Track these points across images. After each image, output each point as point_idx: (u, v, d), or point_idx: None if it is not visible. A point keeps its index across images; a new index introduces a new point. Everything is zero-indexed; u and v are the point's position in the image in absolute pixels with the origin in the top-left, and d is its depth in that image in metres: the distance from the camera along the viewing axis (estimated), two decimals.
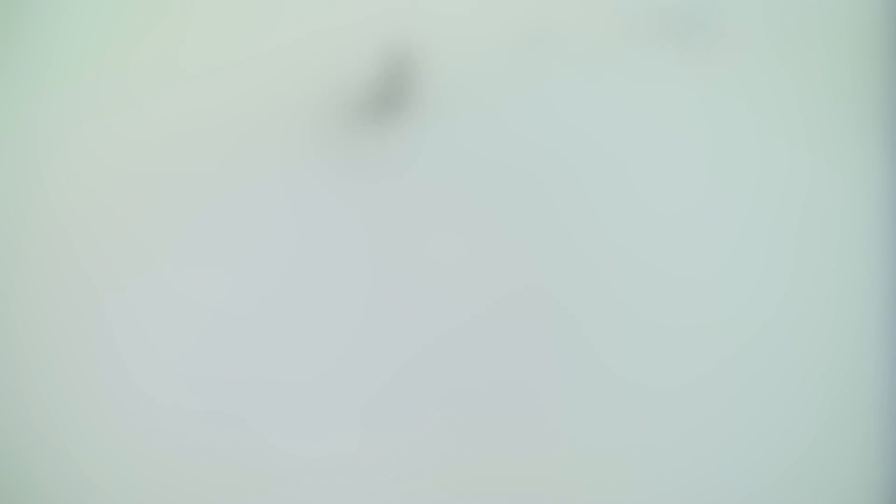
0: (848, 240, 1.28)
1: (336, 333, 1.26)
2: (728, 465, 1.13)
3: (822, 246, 1.27)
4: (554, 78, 1.38)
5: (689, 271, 1.34)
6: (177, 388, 1.23)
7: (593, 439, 1.26)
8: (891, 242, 0.95)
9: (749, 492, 1.19)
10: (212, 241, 1.28)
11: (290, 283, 1.24)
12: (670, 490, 1.19)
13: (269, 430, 1.29)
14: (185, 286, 1.28)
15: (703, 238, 1.36)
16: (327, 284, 1.27)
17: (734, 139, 1.28)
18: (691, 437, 1.29)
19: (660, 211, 1.39)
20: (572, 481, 1.24)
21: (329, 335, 1.25)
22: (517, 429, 1.30)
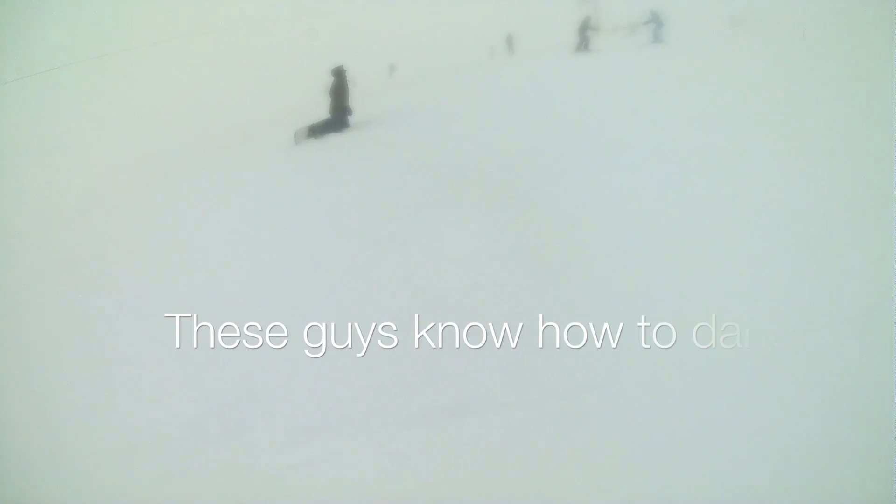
0: (866, 241, 3.07)
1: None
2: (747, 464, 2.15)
3: (841, 248, 3.19)
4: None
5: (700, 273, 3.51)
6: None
7: (600, 440, 2.68)
8: None
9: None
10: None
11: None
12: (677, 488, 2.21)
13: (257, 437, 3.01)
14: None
15: (716, 240, 3.40)
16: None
17: (746, 139, 4.25)
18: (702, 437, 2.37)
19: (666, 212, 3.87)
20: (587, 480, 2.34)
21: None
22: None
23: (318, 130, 9.73)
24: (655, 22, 13.94)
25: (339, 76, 9.85)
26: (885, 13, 6.46)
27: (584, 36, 13.78)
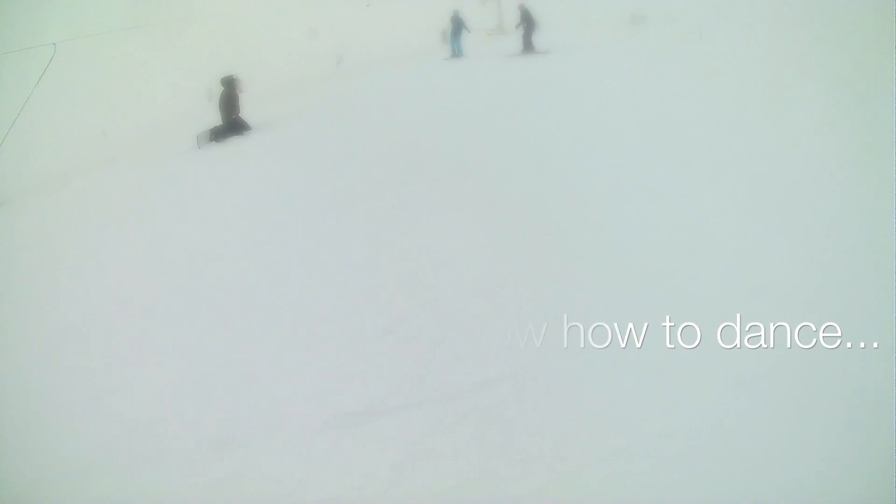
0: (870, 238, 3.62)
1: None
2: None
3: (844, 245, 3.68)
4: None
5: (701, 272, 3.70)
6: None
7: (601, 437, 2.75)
8: None
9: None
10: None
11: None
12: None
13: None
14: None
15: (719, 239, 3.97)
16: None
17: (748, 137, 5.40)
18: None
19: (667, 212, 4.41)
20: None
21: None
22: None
23: (219, 134, 9.42)
24: (455, 23, 12.88)
25: (229, 86, 9.56)
26: (886, 13, 6.76)
27: (527, 36, 12.63)
